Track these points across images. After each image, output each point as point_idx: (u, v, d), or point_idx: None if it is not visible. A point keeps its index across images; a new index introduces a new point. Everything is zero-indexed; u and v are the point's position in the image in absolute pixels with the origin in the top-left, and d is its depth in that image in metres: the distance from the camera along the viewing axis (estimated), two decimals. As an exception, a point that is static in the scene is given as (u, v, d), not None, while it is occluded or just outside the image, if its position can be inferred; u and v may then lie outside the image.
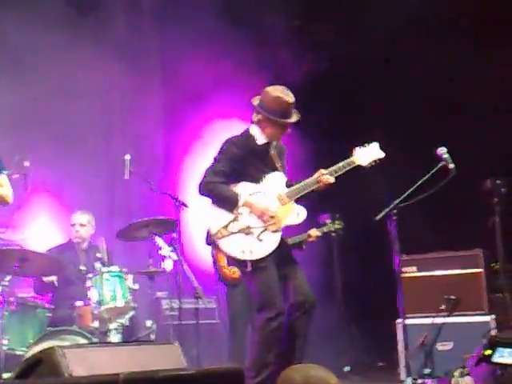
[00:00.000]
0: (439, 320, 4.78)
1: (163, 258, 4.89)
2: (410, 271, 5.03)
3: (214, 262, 4.96)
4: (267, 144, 3.91)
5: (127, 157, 4.90)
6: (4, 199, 3.94)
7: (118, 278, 4.78)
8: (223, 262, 4.51)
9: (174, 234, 4.93)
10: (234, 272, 4.83)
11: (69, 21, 6.02)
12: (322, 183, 3.88)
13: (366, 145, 4.00)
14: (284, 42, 6.36)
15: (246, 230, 3.73)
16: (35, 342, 4.39)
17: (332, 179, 3.89)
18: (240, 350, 5.03)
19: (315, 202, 4.13)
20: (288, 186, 3.94)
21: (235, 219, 3.75)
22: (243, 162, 3.80)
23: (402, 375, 4.50)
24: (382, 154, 4.01)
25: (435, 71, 5.77)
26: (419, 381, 4.06)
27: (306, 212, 3.89)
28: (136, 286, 4.85)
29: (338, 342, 5.63)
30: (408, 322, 4.35)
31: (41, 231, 5.83)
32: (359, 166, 3.96)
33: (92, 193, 6.06)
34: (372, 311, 5.68)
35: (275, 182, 3.89)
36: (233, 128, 6.28)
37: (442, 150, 4.24)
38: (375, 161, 3.99)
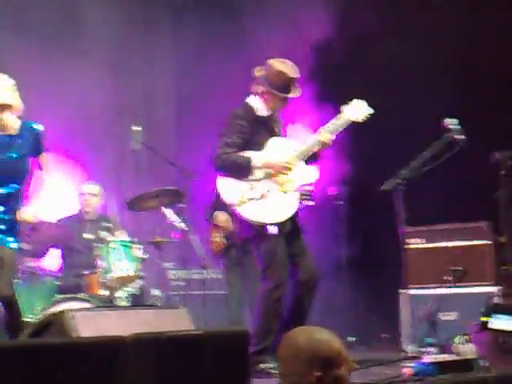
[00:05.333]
0: (444, 290, 4.81)
1: (171, 228, 4.94)
2: (416, 243, 5.04)
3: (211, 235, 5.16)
4: (270, 115, 3.94)
5: (136, 127, 4.92)
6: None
7: (126, 247, 4.83)
8: (213, 235, 4.95)
9: (182, 205, 4.98)
10: (218, 245, 5.08)
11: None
12: (324, 141, 3.87)
13: (349, 102, 3.99)
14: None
15: (265, 195, 3.77)
16: (43, 309, 4.46)
17: (333, 136, 3.90)
18: (235, 317, 5.12)
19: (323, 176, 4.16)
20: None
21: (252, 185, 3.79)
22: (250, 132, 3.84)
23: (405, 344, 4.55)
24: (370, 110, 3.99)
25: (449, 38, 5.67)
26: (422, 349, 4.10)
27: (317, 171, 3.92)
28: (145, 256, 4.90)
29: (343, 313, 5.67)
30: (411, 292, 4.38)
31: (51, 202, 5.89)
32: (353, 123, 3.96)
33: (101, 164, 6.10)
34: (378, 283, 5.71)
35: (280, 145, 3.92)
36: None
37: (450, 121, 4.22)
38: (366, 116, 3.99)
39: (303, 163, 3.89)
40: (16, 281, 4.42)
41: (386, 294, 5.20)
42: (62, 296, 4.58)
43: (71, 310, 2.80)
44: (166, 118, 6.62)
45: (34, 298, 4.61)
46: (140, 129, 4.89)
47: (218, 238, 5.22)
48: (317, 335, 2.21)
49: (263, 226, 3.76)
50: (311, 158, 3.95)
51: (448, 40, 5.64)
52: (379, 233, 5.64)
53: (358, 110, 3.97)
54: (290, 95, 3.85)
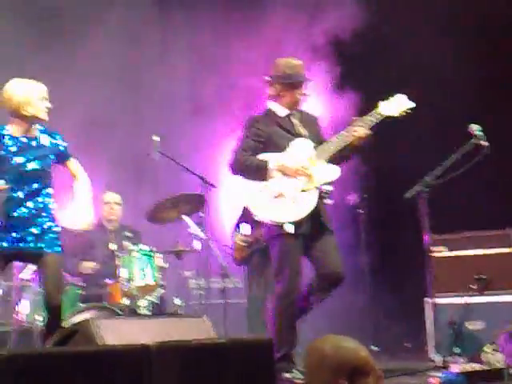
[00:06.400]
0: (469, 299, 4.74)
1: (191, 237, 4.93)
2: (440, 250, 4.98)
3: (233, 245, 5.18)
4: (289, 115, 3.94)
5: (156, 137, 4.92)
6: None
7: (147, 256, 4.83)
8: (236, 243, 4.96)
9: (202, 214, 4.97)
10: (240, 254, 5.09)
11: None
12: (357, 134, 3.79)
13: (389, 98, 3.95)
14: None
15: (281, 195, 3.75)
16: (67, 317, 4.45)
17: (368, 131, 3.82)
18: (255, 326, 5.10)
19: (344, 183, 4.12)
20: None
21: (268, 186, 3.78)
22: (267, 135, 3.86)
23: (431, 354, 4.48)
24: (411, 104, 3.92)
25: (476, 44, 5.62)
26: (449, 358, 4.03)
27: (339, 170, 3.86)
28: (166, 265, 4.89)
29: (365, 322, 5.61)
30: (437, 301, 4.32)
31: (72, 211, 5.91)
32: (389, 118, 3.90)
33: (121, 174, 6.13)
34: (400, 291, 5.65)
35: (301, 146, 3.90)
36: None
37: (475, 127, 4.17)
38: (405, 111, 3.92)
39: (324, 162, 3.85)
40: (40, 290, 4.46)
41: (409, 303, 5.14)
42: (85, 305, 4.59)
43: (96, 319, 2.79)
44: (183, 125, 6.62)
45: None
46: (158, 138, 4.89)
47: (240, 245, 5.23)
48: (343, 343, 2.18)
49: (280, 226, 3.73)
50: (342, 156, 3.89)
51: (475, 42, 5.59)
52: (402, 241, 5.58)
53: (396, 105, 3.90)
54: (303, 79, 3.90)
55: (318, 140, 3.95)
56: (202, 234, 4.88)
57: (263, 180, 3.77)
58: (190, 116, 6.57)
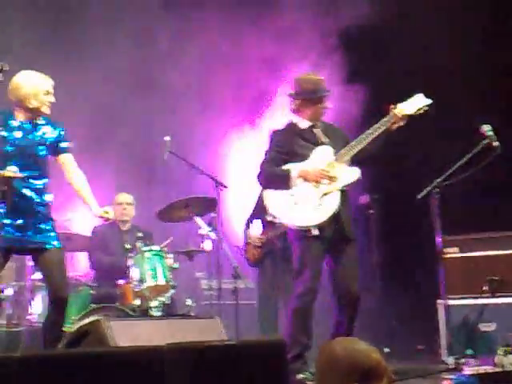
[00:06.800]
0: (482, 301, 4.70)
1: (202, 237, 4.93)
2: (453, 252, 4.95)
3: (245, 246, 5.20)
4: (311, 126, 4.06)
5: (167, 138, 4.93)
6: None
7: (159, 256, 4.83)
8: (248, 244, 5.14)
9: (213, 214, 4.97)
10: (253, 254, 5.19)
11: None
12: (391, 122, 3.90)
13: (405, 99, 4.02)
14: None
15: (304, 200, 3.89)
16: (79, 318, 4.48)
17: (399, 122, 3.93)
18: (267, 327, 5.10)
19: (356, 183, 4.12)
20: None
21: (292, 193, 3.92)
22: (290, 147, 4.01)
23: (444, 355, 4.45)
24: (428, 101, 3.98)
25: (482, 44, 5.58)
26: (462, 360, 4.00)
27: (359, 171, 3.97)
28: (176, 265, 4.89)
29: (376, 324, 5.59)
30: (450, 302, 4.30)
31: (84, 212, 5.95)
32: (407, 116, 3.95)
33: (133, 174, 6.14)
34: (412, 293, 5.61)
35: (322, 153, 4.00)
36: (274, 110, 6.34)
37: (487, 128, 4.14)
38: (422, 108, 3.98)
39: (344, 165, 3.96)
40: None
41: (421, 304, 5.11)
42: (97, 305, 4.60)
43: (107, 320, 2.80)
44: (194, 124, 6.62)
45: (69, 307, 4.62)
46: (169, 138, 4.91)
47: (253, 246, 5.25)
48: (355, 346, 2.17)
49: (305, 230, 3.85)
50: (373, 147, 3.97)
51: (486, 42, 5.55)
52: (414, 242, 5.55)
53: (413, 104, 3.98)
54: (324, 93, 4.03)
55: (343, 147, 4.06)
56: (212, 235, 4.88)
57: (287, 188, 3.93)
58: (200, 114, 6.57)
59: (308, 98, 4.00)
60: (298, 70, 5.29)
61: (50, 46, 5.88)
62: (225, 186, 5.07)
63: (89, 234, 5.35)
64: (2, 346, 4.41)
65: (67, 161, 3.79)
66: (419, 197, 4.20)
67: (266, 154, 4.05)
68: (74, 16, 6.17)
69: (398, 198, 5.47)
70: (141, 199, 5.69)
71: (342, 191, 3.92)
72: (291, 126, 4.08)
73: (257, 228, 5.35)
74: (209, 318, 3.32)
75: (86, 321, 4.20)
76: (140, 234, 4.97)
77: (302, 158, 3.97)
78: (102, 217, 3.76)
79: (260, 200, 5.44)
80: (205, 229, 4.88)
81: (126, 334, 2.76)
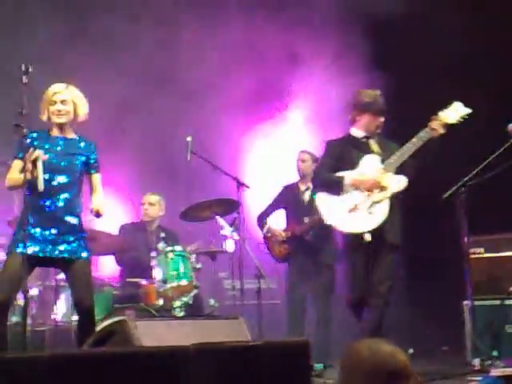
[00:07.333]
0: (508, 302, 4.64)
1: (225, 238, 4.94)
2: (479, 252, 4.89)
3: (267, 242, 5.21)
4: (367, 137, 4.32)
5: (189, 138, 4.95)
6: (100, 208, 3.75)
7: (182, 257, 4.85)
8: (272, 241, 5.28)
9: (236, 215, 4.97)
10: (280, 251, 5.27)
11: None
12: (434, 130, 4.10)
13: (447, 106, 4.21)
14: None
15: (356, 207, 4.16)
16: (103, 318, 4.51)
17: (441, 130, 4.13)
18: (295, 326, 5.09)
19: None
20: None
21: (343, 200, 4.20)
22: (342, 154, 4.31)
23: (469, 357, 4.40)
24: (468, 110, 4.17)
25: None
26: (488, 362, 3.95)
27: (406, 179, 4.19)
28: (199, 265, 4.91)
29: (400, 325, 5.54)
30: (476, 303, 4.24)
31: (109, 212, 5.98)
32: (448, 125, 4.14)
33: (155, 174, 6.17)
34: (438, 293, 5.55)
35: (370, 162, 4.25)
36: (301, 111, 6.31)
37: (515, 127, 4.09)
38: (463, 117, 4.18)
39: (392, 173, 4.19)
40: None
41: (447, 305, 5.04)
42: (121, 305, 4.63)
43: (132, 320, 2.81)
44: (215, 124, 6.63)
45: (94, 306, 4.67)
46: (190, 139, 4.92)
47: (277, 242, 5.28)
48: (380, 347, 2.13)
49: (355, 236, 4.13)
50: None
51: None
52: (439, 242, 5.49)
53: (454, 113, 4.19)
54: (377, 106, 4.29)
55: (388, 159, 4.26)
56: (235, 235, 4.89)
57: (339, 194, 4.22)
58: (221, 112, 6.57)
59: (364, 109, 4.26)
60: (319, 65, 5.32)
61: (74, 44, 5.92)
62: (247, 187, 5.08)
63: (114, 232, 5.38)
64: (28, 345, 4.46)
65: (94, 180, 3.75)
66: (444, 196, 4.15)
67: (320, 161, 4.49)
68: (96, 13, 6.19)
69: (423, 197, 5.40)
70: (165, 199, 5.71)
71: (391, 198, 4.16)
72: (347, 137, 4.37)
73: (277, 223, 5.37)
74: (233, 319, 3.32)
75: (110, 321, 4.24)
76: (163, 235, 4.99)
77: (352, 165, 4.25)
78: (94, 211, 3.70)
79: (279, 197, 5.49)
80: (227, 229, 4.88)
81: (150, 334, 2.77)
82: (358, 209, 4.14)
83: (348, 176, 4.20)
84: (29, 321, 4.67)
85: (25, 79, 3.43)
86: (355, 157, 4.26)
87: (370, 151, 4.28)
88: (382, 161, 4.21)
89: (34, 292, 4.74)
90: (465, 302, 4.69)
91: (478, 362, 3.98)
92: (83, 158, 3.69)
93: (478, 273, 4.72)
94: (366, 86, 4.52)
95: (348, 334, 4.57)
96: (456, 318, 4.83)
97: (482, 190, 4.29)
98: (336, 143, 4.39)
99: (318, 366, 4.63)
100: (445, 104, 4.20)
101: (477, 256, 4.86)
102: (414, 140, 4.12)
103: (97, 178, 3.75)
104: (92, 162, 3.72)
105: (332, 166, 4.29)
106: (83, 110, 3.70)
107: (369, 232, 4.07)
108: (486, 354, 4.22)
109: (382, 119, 4.30)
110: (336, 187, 4.21)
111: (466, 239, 4.27)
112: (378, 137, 4.35)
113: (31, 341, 4.14)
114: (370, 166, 4.22)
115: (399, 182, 4.16)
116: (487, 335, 4.50)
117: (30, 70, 3.45)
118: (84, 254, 3.62)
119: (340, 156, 4.29)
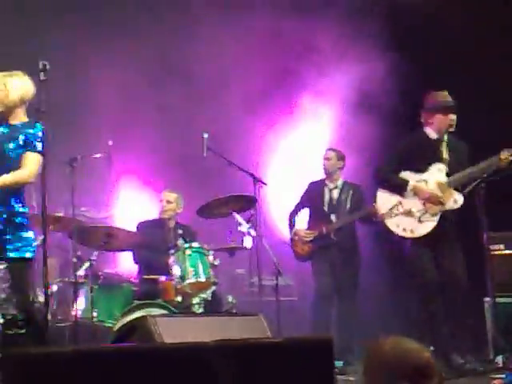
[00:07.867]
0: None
1: (242, 234, 4.93)
2: (500, 249, 4.83)
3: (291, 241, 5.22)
4: (439, 139, 4.52)
5: (205, 135, 4.94)
6: (20, 182, 3.58)
7: (200, 253, 4.85)
8: (295, 239, 5.36)
9: (253, 211, 4.96)
10: (303, 249, 5.29)
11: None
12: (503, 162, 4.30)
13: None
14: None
15: (409, 213, 4.46)
16: (122, 314, 4.53)
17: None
18: (320, 323, 5.08)
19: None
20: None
21: (400, 203, 4.52)
22: (410, 154, 4.56)
23: (491, 354, 4.35)
24: None
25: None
26: (510, 359, 3.91)
27: (463, 199, 4.37)
28: (217, 262, 4.91)
29: (419, 323, 5.48)
30: (497, 300, 4.19)
31: (127, 209, 6.01)
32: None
33: (172, 171, 6.17)
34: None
35: (436, 171, 4.48)
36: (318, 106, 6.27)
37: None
38: None
39: (452, 189, 4.42)
40: (95, 287, 4.54)
41: (468, 302, 4.98)
42: (141, 302, 4.64)
43: (153, 317, 2.81)
44: (232, 120, 6.61)
45: (112, 303, 4.69)
46: (207, 135, 4.91)
47: (301, 241, 5.28)
48: (404, 344, 2.11)
49: (404, 238, 4.48)
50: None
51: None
52: (460, 239, 5.42)
53: None
54: (449, 106, 4.50)
55: (460, 167, 4.48)
56: (252, 232, 4.88)
57: (399, 195, 4.54)
58: (239, 110, 6.56)
59: (433, 109, 4.48)
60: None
61: (89, 42, 5.94)
62: (263, 183, 5.06)
63: (132, 229, 5.40)
64: (49, 342, 4.48)
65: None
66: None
67: (387, 157, 4.70)
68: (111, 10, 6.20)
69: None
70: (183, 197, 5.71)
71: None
72: (419, 137, 4.58)
73: (301, 223, 5.37)
74: (253, 315, 3.31)
75: (130, 317, 4.25)
76: (180, 232, 4.99)
77: (418, 170, 4.50)
78: None
79: (306, 193, 5.47)
80: (244, 226, 4.87)
81: (172, 331, 2.76)
82: (412, 214, 4.45)
83: (411, 181, 4.48)
84: (49, 317, 4.71)
85: (42, 76, 3.41)
86: (424, 160, 4.48)
87: (439, 155, 4.49)
88: (447, 174, 4.42)
89: (53, 288, 4.77)
90: (486, 299, 4.64)
91: (502, 358, 3.94)
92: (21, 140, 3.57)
93: (499, 269, 4.66)
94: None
95: (368, 332, 4.54)
96: (479, 315, 4.78)
97: (501, 186, 4.25)
98: (406, 143, 4.62)
99: (338, 364, 4.61)
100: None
101: (498, 252, 4.80)
102: (482, 166, 4.30)
103: (27, 156, 3.58)
104: (29, 141, 3.57)
105: (397, 162, 4.53)
106: (16, 93, 3.57)
107: (412, 239, 4.41)
108: (509, 350, 4.17)
109: (453, 117, 4.47)
110: (398, 189, 4.52)
111: (485, 236, 4.22)
112: (449, 138, 4.53)
113: (52, 337, 4.16)
114: (435, 175, 4.46)
115: (456, 202, 4.38)
116: (509, 332, 4.44)
117: (48, 67, 3.42)
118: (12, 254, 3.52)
119: (409, 156, 4.52)
